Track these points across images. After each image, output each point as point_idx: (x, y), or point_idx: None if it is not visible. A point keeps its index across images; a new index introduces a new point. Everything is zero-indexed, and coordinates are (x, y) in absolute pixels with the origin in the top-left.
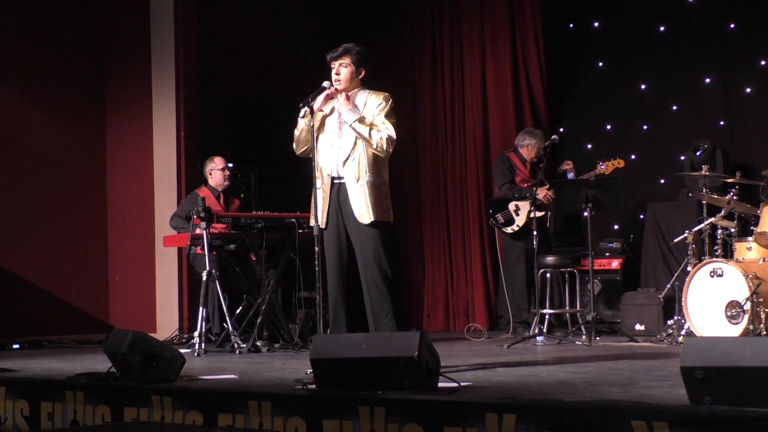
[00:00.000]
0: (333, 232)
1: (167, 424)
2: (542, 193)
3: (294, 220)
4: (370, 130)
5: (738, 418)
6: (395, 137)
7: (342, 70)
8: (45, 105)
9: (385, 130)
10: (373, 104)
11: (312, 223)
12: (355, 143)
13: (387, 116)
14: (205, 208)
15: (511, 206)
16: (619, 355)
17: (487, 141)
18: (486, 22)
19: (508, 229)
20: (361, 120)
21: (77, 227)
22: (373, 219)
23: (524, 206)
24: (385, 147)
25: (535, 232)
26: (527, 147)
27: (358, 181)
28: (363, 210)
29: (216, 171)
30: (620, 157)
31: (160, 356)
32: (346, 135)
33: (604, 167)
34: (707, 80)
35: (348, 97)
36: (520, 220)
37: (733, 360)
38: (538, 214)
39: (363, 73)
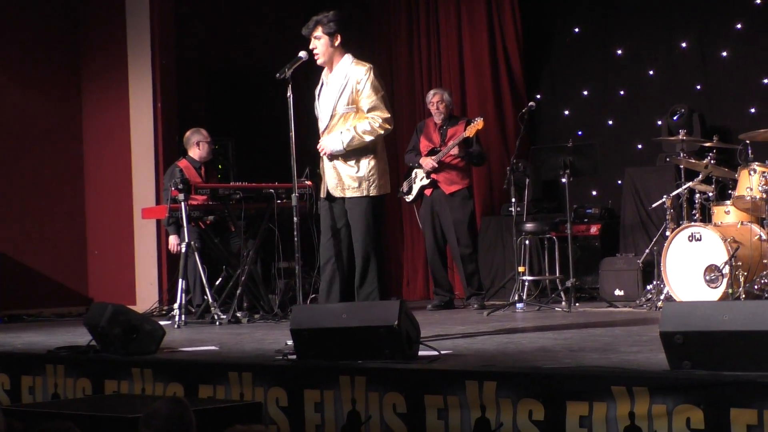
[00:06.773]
0: (328, 204)
1: (148, 396)
2: (426, 162)
3: (272, 190)
4: (357, 135)
5: (717, 382)
6: (387, 114)
7: (317, 43)
8: (20, 76)
9: (371, 120)
10: (354, 78)
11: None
12: (341, 118)
13: (373, 91)
14: (184, 179)
15: (413, 174)
16: (598, 321)
17: (464, 108)
18: None
19: (407, 198)
20: (345, 136)
21: (54, 200)
22: (363, 194)
23: (420, 175)
24: (382, 132)
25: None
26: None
27: (346, 155)
28: (353, 184)
29: (204, 143)
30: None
31: (139, 329)
32: (331, 110)
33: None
34: (683, 44)
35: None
36: (415, 190)
37: (712, 324)
38: (425, 181)
39: (339, 38)
